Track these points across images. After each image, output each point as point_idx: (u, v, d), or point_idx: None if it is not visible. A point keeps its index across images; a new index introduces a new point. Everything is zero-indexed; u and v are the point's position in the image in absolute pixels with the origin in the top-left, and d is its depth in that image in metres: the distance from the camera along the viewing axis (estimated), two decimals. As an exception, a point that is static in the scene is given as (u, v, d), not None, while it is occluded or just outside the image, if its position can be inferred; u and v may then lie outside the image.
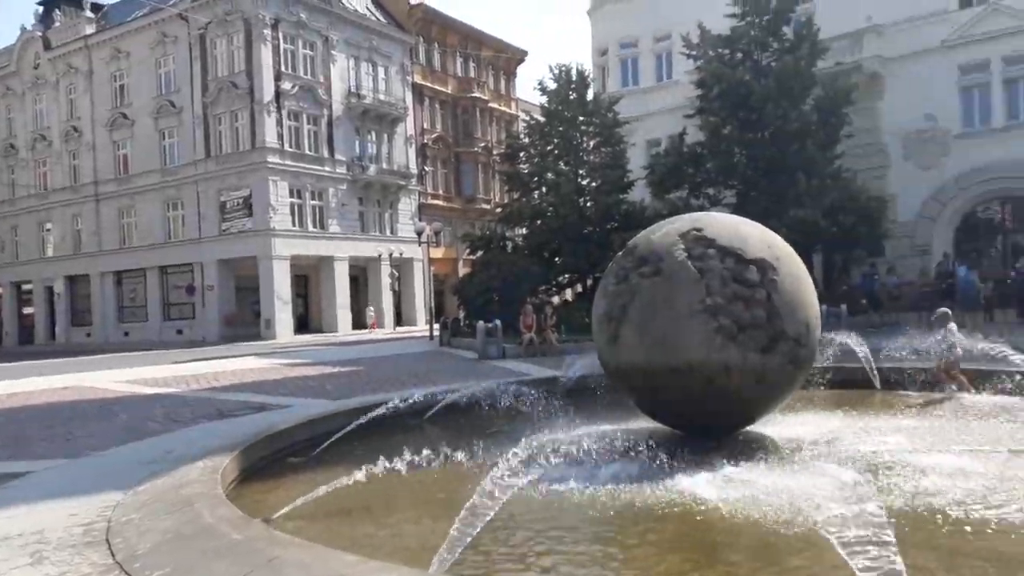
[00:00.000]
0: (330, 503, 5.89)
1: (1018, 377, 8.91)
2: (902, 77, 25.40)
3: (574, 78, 27.01)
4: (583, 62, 29.18)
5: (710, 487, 5.87)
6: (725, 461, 6.43)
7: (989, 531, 4.68)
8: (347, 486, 5.79)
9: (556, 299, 27.40)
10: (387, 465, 5.87)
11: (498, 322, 18.57)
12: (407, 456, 6.05)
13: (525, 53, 58.23)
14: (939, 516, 4.99)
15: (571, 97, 26.75)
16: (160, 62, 42.76)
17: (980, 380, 9.38)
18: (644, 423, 7.93)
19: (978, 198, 25.16)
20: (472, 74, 52.84)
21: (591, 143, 27.20)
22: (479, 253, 26.89)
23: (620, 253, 8.03)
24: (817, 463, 6.37)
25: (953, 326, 10.48)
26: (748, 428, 7.49)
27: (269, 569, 4.08)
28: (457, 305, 28.32)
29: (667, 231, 7.58)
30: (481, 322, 18.79)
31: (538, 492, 5.80)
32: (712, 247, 7.11)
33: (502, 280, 23.02)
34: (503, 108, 55.51)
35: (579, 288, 27.77)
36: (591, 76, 28.86)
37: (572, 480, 6.22)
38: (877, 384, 10.31)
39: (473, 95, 51.30)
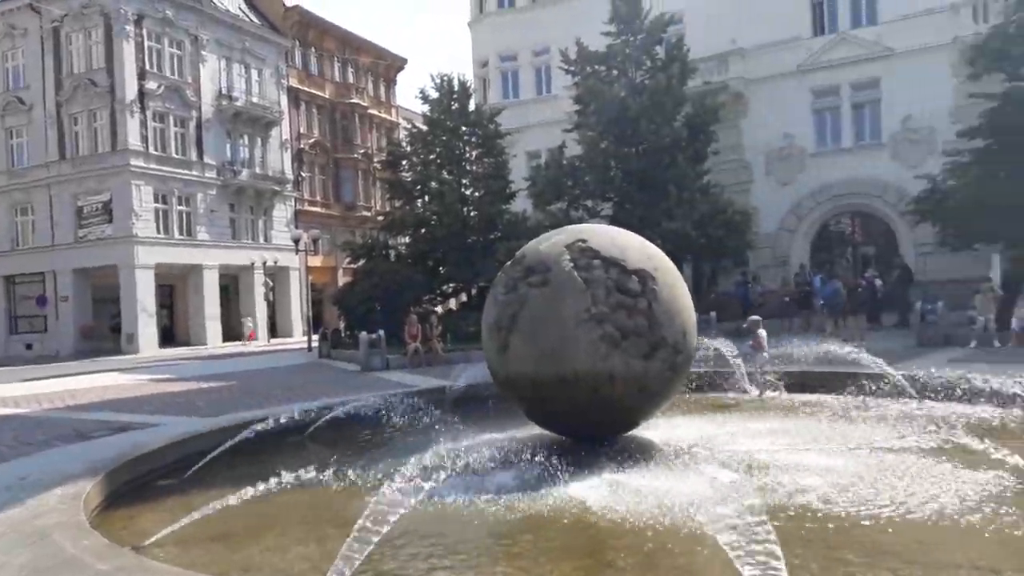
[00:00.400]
0: (208, 527, 5.57)
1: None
2: (763, 98, 27.11)
3: (456, 88, 27.10)
4: (464, 72, 29.28)
5: (597, 493, 5.99)
6: (612, 466, 6.60)
7: (861, 525, 5.02)
8: (226, 508, 5.49)
9: (440, 308, 27.27)
10: (269, 484, 5.63)
11: (381, 332, 18.25)
12: (290, 474, 5.83)
13: (405, 61, 57.87)
14: (813, 513, 5.31)
15: (453, 107, 26.81)
16: (7, 56, 39.44)
17: (844, 382, 10.04)
18: (533, 431, 8.00)
19: (831, 212, 27.19)
20: (351, 79, 51.91)
21: (474, 153, 27.36)
22: (360, 262, 26.39)
23: (509, 263, 8.10)
24: (698, 465, 6.64)
25: (763, 332, 11.27)
26: (631, 433, 7.72)
27: (143, 602, 3.81)
28: (337, 315, 27.67)
29: (554, 242, 7.72)
30: (364, 332, 18.41)
31: (429, 506, 5.72)
32: (597, 258, 7.30)
33: (385, 289, 22.68)
34: (383, 115, 54.87)
35: (463, 297, 27.81)
36: (472, 87, 29.06)
37: (462, 492, 6.18)
38: (747, 388, 10.87)
39: (352, 101, 50.40)
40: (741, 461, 6.75)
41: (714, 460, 6.80)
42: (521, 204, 26.62)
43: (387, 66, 55.93)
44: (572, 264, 7.30)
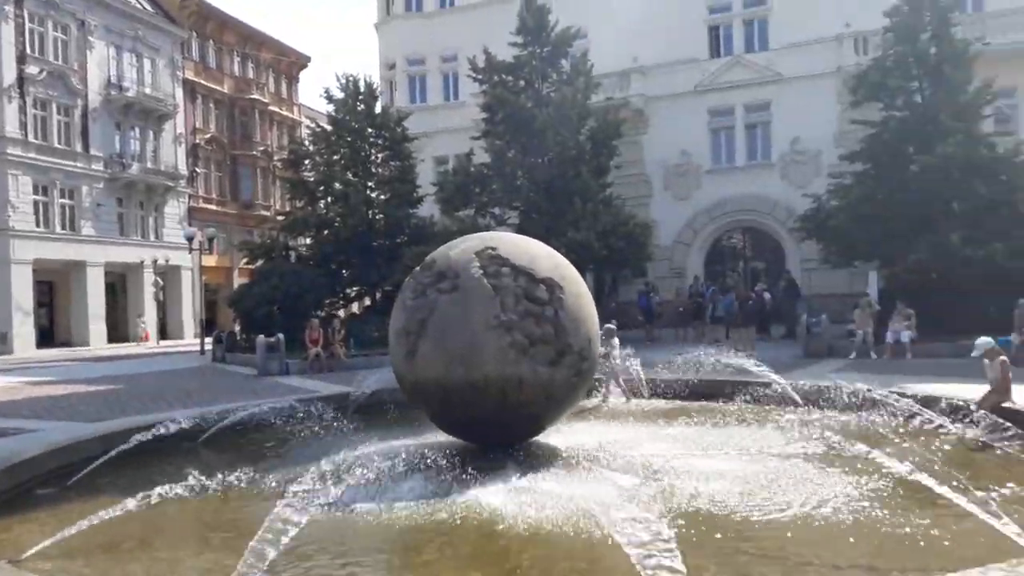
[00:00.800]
0: (93, 538, 5.30)
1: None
2: (662, 115, 28.04)
3: (362, 89, 26.71)
4: (371, 74, 28.92)
5: (504, 498, 6.05)
6: (518, 472, 6.68)
7: (755, 527, 5.28)
8: (113, 518, 5.24)
9: (343, 312, 26.74)
10: (161, 492, 5.39)
11: (280, 336, 17.70)
12: (182, 482, 5.61)
13: (308, 59, 56.59)
14: (709, 516, 5.55)
15: (359, 108, 26.40)
16: None
17: (737, 390, 10.51)
18: (439, 438, 8.00)
19: (724, 228, 28.38)
20: (251, 75, 50.28)
21: (379, 156, 27.00)
22: (259, 262, 25.53)
23: (418, 268, 8.07)
24: (600, 470, 6.81)
25: (616, 341, 11.73)
26: (537, 438, 7.83)
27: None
28: (233, 318, 26.66)
29: (463, 248, 7.76)
30: (262, 336, 17.81)
31: (333, 515, 5.62)
32: (506, 266, 7.40)
33: (285, 292, 22.02)
34: (285, 112, 53.42)
35: (367, 301, 27.36)
36: (379, 89, 28.73)
37: (368, 500, 6.11)
38: (646, 394, 11.23)
39: (252, 96, 48.80)
40: (641, 466, 6.97)
41: (616, 466, 6.99)
42: (428, 209, 26.47)
43: (289, 63, 54.52)
44: (482, 271, 7.36)
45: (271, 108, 51.13)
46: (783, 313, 22.41)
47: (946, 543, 4.81)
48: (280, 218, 29.22)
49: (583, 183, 22.48)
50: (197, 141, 45.33)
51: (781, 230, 26.37)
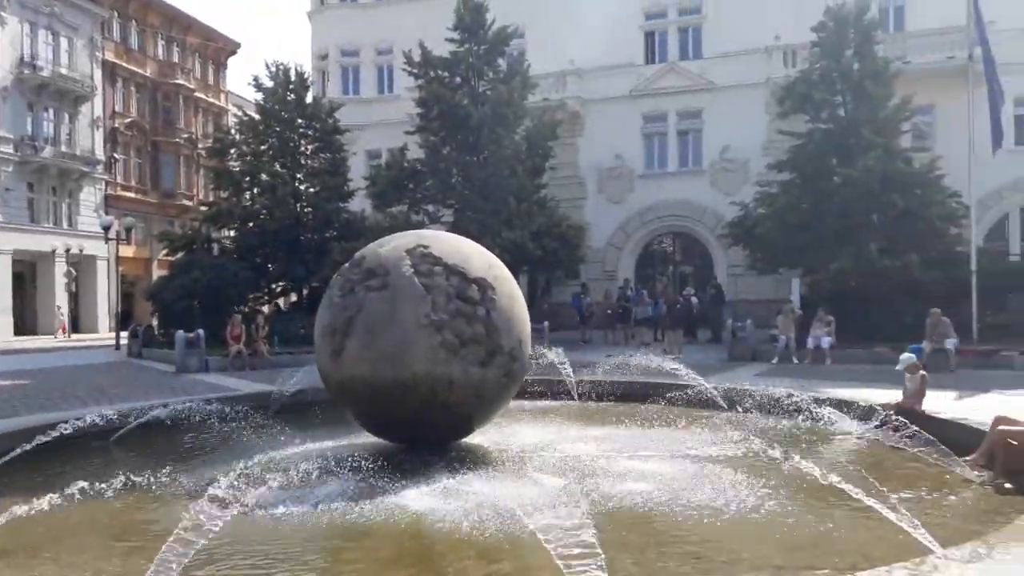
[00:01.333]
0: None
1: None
2: (598, 118, 28.26)
3: (292, 79, 26.02)
4: (302, 64, 28.12)
5: (430, 500, 5.94)
6: (445, 473, 6.56)
7: (677, 528, 5.30)
8: (16, 520, 4.93)
9: (268, 308, 25.98)
10: (66, 494, 5.08)
11: (201, 332, 17.03)
12: (90, 483, 5.31)
13: (238, 45, 54.99)
14: (633, 517, 5.55)
15: (289, 98, 25.70)
16: None
17: (664, 392, 10.62)
18: (365, 439, 7.80)
19: (655, 232, 28.79)
20: (176, 59, 48.47)
21: (309, 147, 26.34)
22: (179, 254, 24.54)
23: (347, 265, 7.85)
24: (528, 471, 6.74)
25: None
26: (467, 439, 7.72)
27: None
28: (151, 311, 25.59)
29: (395, 246, 7.58)
30: (181, 331, 17.09)
31: (252, 518, 5.39)
32: (438, 265, 7.26)
33: (206, 285, 21.22)
34: (212, 100, 51.69)
35: (294, 297, 26.67)
36: (311, 79, 28.04)
37: (289, 503, 5.90)
38: (575, 396, 11.23)
39: (176, 82, 47.01)
40: (568, 467, 6.95)
41: (543, 466, 6.94)
42: (359, 204, 25.97)
43: (217, 48, 52.78)
44: (413, 269, 7.20)
45: (197, 94, 49.40)
46: (710, 318, 22.89)
47: (855, 543, 4.92)
48: (204, 209, 28.14)
49: (518, 183, 22.45)
50: (116, 125, 43.42)
51: (710, 236, 26.93)
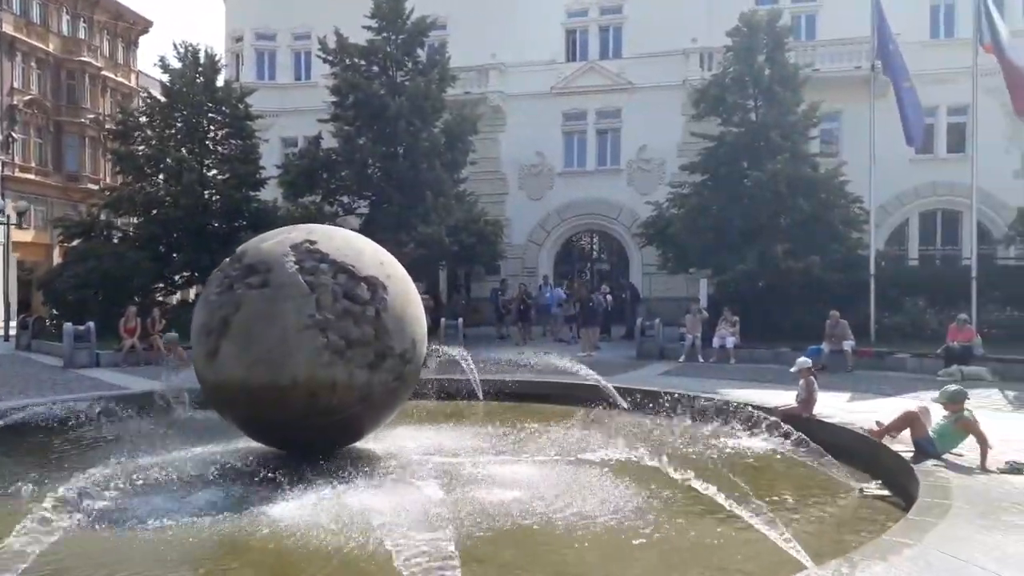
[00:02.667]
0: None
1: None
2: (519, 114, 28.11)
3: (202, 60, 24.92)
4: (216, 46, 27.07)
5: (301, 512, 5.65)
6: (323, 482, 6.27)
7: (547, 541, 5.15)
8: None
9: (175, 299, 24.84)
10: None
11: (91, 324, 16.05)
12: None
13: (150, 23, 52.53)
14: (502, 528, 5.36)
15: (198, 80, 24.58)
16: None
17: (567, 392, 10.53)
18: (249, 444, 7.41)
19: (574, 229, 28.88)
20: (83, 35, 45.96)
21: (219, 133, 25.28)
22: (76, 241, 23.17)
23: (227, 260, 7.44)
24: (409, 480, 6.51)
25: None
26: (356, 444, 7.42)
27: None
28: (43, 302, 24.13)
29: (280, 240, 7.21)
30: (69, 324, 16.08)
31: (106, 526, 5.01)
32: (325, 261, 6.93)
33: (104, 274, 20.09)
34: (121, 79, 49.20)
35: (199, 289, 25.58)
36: (222, 62, 26.89)
37: (155, 511, 5.55)
38: (480, 396, 11.04)
39: (82, 59, 44.52)
40: (452, 475, 6.73)
41: (426, 474, 6.71)
42: (272, 193, 25.10)
43: (128, 26, 50.34)
44: (297, 266, 6.85)
45: (104, 73, 46.94)
46: (624, 315, 23.11)
47: (728, 555, 4.87)
48: (107, 194, 26.70)
49: (436, 176, 22.08)
50: (14, 103, 40.87)
51: (626, 235, 27.20)
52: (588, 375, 9.76)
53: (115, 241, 23.36)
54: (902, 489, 6.09)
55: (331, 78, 24.31)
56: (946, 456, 6.59)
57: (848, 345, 15.33)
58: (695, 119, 22.01)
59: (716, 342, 16.95)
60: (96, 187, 42.66)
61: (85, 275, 20.28)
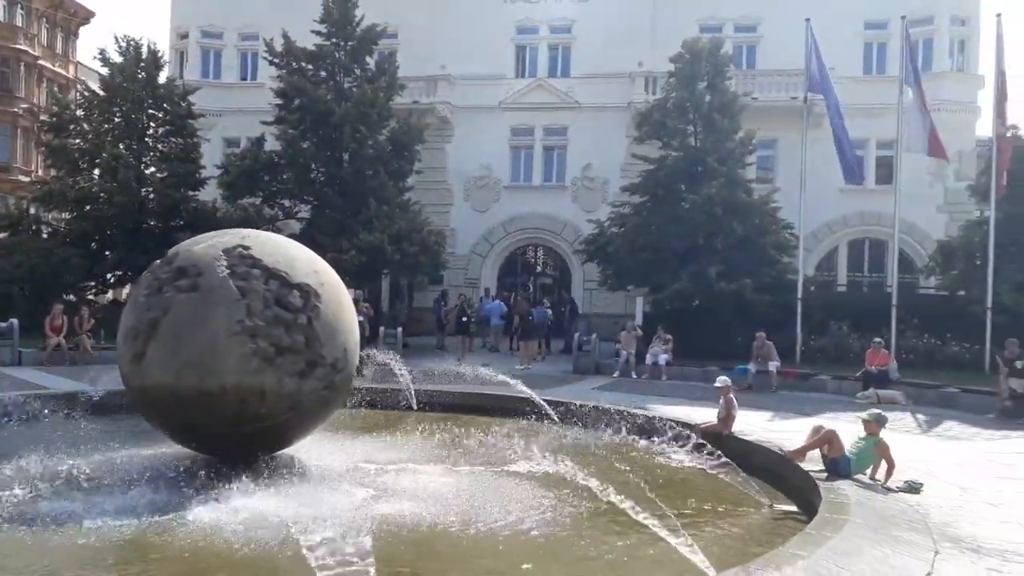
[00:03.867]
0: None
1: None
2: (467, 126, 28.28)
3: (144, 55, 24.44)
4: (159, 41, 26.49)
5: (220, 516, 5.67)
6: (245, 488, 6.26)
7: (455, 546, 5.28)
8: None
9: (104, 299, 24.14)
10: None
11: (14, 322, 15.53)
12: None
13: (92, 13, 51.13)
14: (416, 535, 5.47)
15: (139, 76, 24.08)
16: None
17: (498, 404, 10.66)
18: (174, 448, 7.32)
19: (518, 242, 29.12)
20: (20, 22, 44.45)
21: (160, 130, 24.79)
22: (3, 235, 22.36)
23: (158, 262, 7.37)
24: (330, 487, 6.56)
25: None
26: (283, 451, 7.41)
27: None
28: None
29: (212, 243, 7.18)
30: (-9, 321, 15.57)
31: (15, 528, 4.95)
32: (257, 267, 6.93)
33: (30, 271, 19.46)
34: (58, 69, 47.65)
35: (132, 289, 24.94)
36: (165, 58, 26.37)
37: (70, 514, 5.49)
38: (414, 406, 11.07)
39: (18, 47, 43.07)
40: (372, 483, 6.80)
41: (348, 481, 6.78)
42: (212, 193, 24.64)
43: (68, 16, 48.88)
44: (228, 270, 6.83)
45: (41, 62, 45.46)
46: (563, 330, 23.44)
47: (636, 563, 5.07)
48: (39, 187, 25.86)
49: (380, 183, 22.07)
50: (-59, 88, 39.25)
51: (569, 250, 27.58)
52: (522, 390, 9.89)
53: (44, 236, 22.67)
54: (809, 505, 6.39)
55: (277, 80, 24.11)
56: (856, 476, 6.95)
57: (773, 366, 15.89)
58: (637, 141, 22.54)
59: (649, 359, 17.35)
60: (27, 179, 41.23)
61: (11, 270, 19.63)
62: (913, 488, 6.66)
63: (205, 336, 6.55)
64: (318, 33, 23.10)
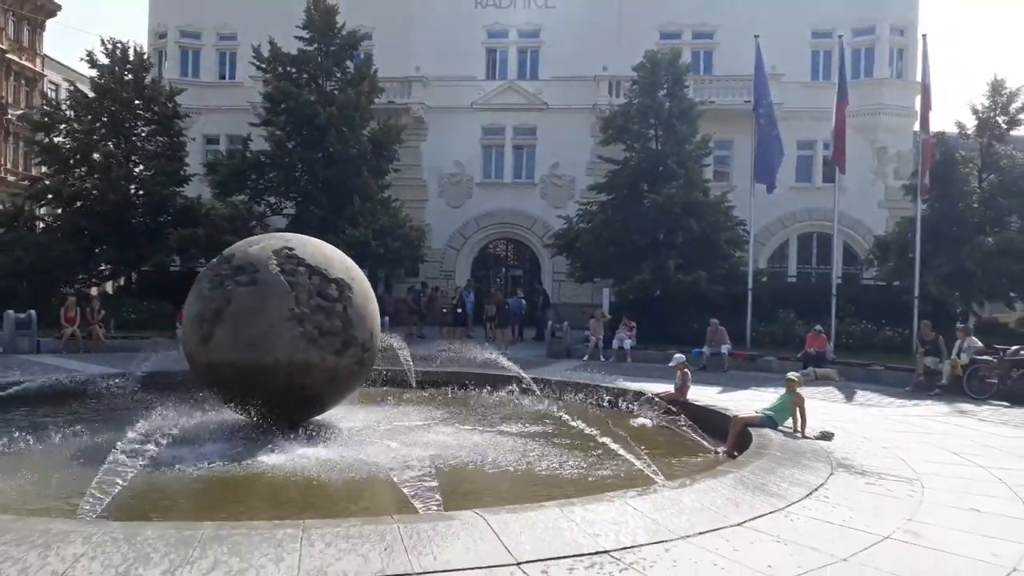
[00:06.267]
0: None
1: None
2: (440, 126, 29.69)
3: (131, 58, 25.42)
4: (132, 39, 27.38)
5: (288, 460, 7.24)
6: (300, 441, 7.84)
7: (474, 475, 6.95)
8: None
9: (95, 290, 25.14)
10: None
11: (32, 312, 16.67)
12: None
13: (58, 7, 51.10)
14: (446, 465, 7.15)
15: (127, 77, 25.08)
16: None
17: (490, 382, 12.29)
18: (233, 415, 8.79)
19: (490, 236, 30.71)
20: (-13, 16, 44.47)
21: (146, 130, 25.80)
22: (-1, 231, 23.27)
23: (215, 260, 8.85)
24: (368, 440, 8.21)
25: None
26: (320, 417, 8.97)
27: None
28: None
29: (263, 246, 8.69)
30: (11, 311, 16.66)
31: (155, 469, 6.46)
32: (302, 265, 8.48)
33: (30, 265, 20.49)
34: (26, 63, 47.62)
35: (121, 281, 25.97)
36: (150, 58, 27.40)
37: (182, 458, 7.05)
38: (413, 383, 12.66)
39: (-14, 40, 43.19)
40: (397, 438, 8.43)
41: (378, 435, 8.40)
42: (195, 189, 25.78)
43: (35, 7, 48.88)
44: (279, 268, 8.36)
45: (9, 56, 45.51)
46: (536, 318, 25.17)
47: (607, 477, 6.80)
48: (24, 182, 26.68)
49: (363, 183, 23.42)
50: (-90, 82, 39.32)
51: (538, 244, 29.26)
52: (509, 367, 11.54)
53: (38, 232, 23.60)
54: (745, 451, 8.16)
55: (260, 83, 25.29)
56: (781, 428, 8.74)
57: (725, 348, 17.80)
58: (603, 143, 24.26)
59: (615, 343, 19.14)
60: (-4, 172, 41.50)
61: (12, 264, 20.62)
62: (825, 436, 8.48)
63: (263, 321, 8.06)
64: (300, 38, 24.31)
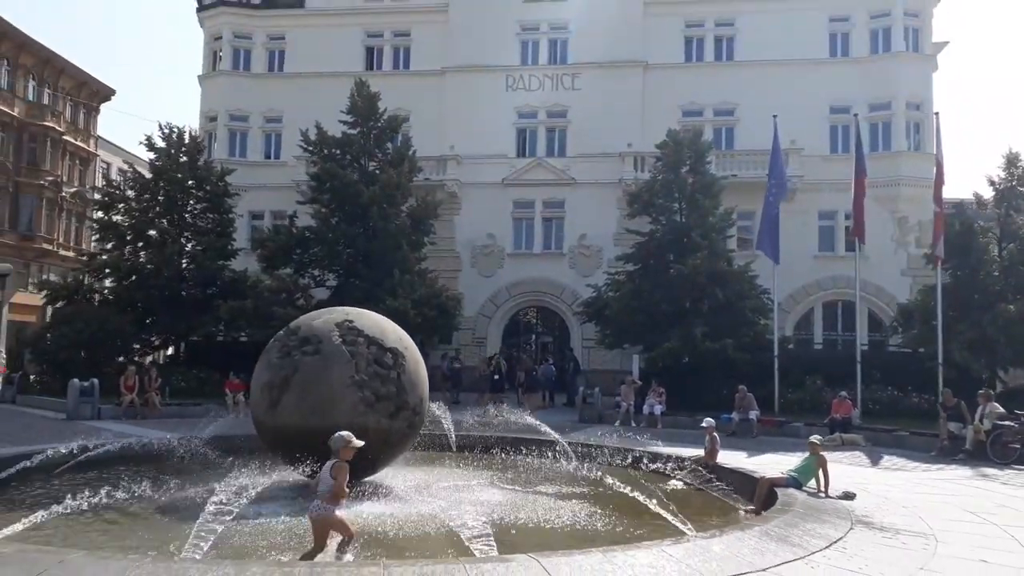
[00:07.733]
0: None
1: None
2: (473, 200, 31.07)
3: (186, 141, 27.22)
4: (186, 123, 29.37)
5: (352, 514, 7.93)
6: (360, 499, 8.58)
7: (523, 532, 7.62)
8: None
9: (148, 360, 26.34)
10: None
11: (95, 381, 17.74)
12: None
13: (112, 91, 54.26)
14: (498, 519, 7.83)
15: (181, 159, 26.83)
16: None
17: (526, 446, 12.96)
18: (291, 476, 9.55)
19: (521, 304, 31.66)
20: (47, 101, 47.45)
21: (197, 207, 27.39)
22: (58, 303, 24.68)
23: (282, 332, 9.80)
24: (419, 498, 8.91)
25: None
26: (374, 476, 9.71)
27: None
28: (28, 359, 25.11)
29: (325, 320, 9.65)
30: (76, 380, 17.76)
31: (243, 521, 7.23)
32: (361, 336, 9.40)
33: (90, 336, 21.73)
34: (80, 144, 50.45)
35: (171, 350, 27.15)
36: (203, 141, 29.27)
37: (262, 513, 7.79)
38: (453, 447, 13.36)
39: (45, 124, 45.98)
40: (445, 497, 9.13)
41: (426, 494, 9.11)
42: (241, 262, 27.14)
43: (92, 93, 52.04)
44: (341, 339, 9.28)
45: (65, 138, 48.34)
46: (566, 384, 25.80)
47: (644, 534, 7.43)
48: (83, 258, 28.27)
49: (402, 256, 24.52)
50: (-23, 164, 41.81)
51: (567, 312, 30.07)
52: (548, 432, 12.21)
53: (96, 304, 24.97)
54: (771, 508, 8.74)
55: (306, 164, 26.90)
56: (806, 488, 9.30)
57: (753, 415, 18.28)
58: (628, 217, 25.29)
59: (646, 409, 19.70)
60: (50, 247, 43.60)
61: (73, 336, 21.87)
62: (847, 496, 9.03)
63: (326, 388, 8.93)
64: (344, 123, 25.93)
